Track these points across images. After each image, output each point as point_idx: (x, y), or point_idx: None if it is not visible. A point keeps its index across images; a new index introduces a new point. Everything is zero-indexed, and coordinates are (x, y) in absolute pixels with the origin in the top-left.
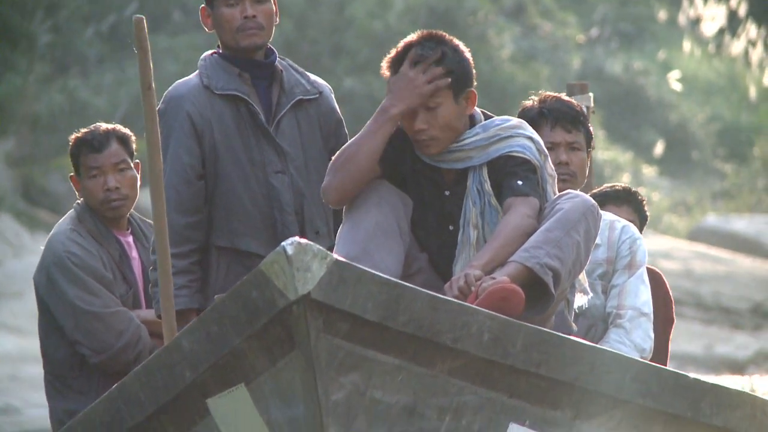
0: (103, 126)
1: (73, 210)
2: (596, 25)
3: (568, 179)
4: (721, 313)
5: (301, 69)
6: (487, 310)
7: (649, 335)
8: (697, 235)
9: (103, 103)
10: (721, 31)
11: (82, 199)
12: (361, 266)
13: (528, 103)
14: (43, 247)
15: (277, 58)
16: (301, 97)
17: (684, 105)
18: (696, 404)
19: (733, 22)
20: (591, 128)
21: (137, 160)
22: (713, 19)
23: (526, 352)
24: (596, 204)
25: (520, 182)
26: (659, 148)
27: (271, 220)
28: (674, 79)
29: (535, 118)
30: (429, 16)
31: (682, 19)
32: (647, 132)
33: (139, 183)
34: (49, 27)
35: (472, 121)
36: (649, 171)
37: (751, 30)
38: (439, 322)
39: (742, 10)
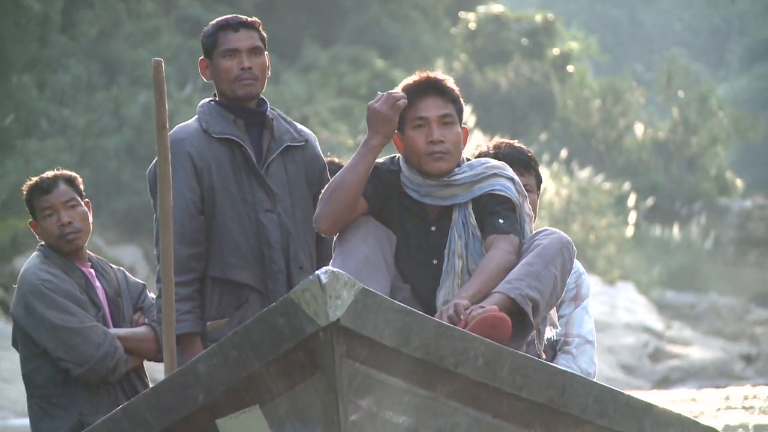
0: (50, 173)
1: (37, 251)
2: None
3: None
4: None
5: (289, 119)
6: (481, 337)
7: (593, 361)
8: None
9: None
10: None
11: (43, 241)
12: (380, 294)
13: (483, 149)
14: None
15: (268, 108)
16: (289, 143)
17: None
18: (641, 424)
19: None
20: (541, 172)
21: (87, 199)
22: None
23: (512, 376)
24: (571, 240)
25: (501, 221)
26: None
27: (260, 255)
28: None
29: None
30: None
31: None
32: None
33: (90, 218)
34: None
35: (458, 164)
36: None
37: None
38: (443, 348)
39: None
